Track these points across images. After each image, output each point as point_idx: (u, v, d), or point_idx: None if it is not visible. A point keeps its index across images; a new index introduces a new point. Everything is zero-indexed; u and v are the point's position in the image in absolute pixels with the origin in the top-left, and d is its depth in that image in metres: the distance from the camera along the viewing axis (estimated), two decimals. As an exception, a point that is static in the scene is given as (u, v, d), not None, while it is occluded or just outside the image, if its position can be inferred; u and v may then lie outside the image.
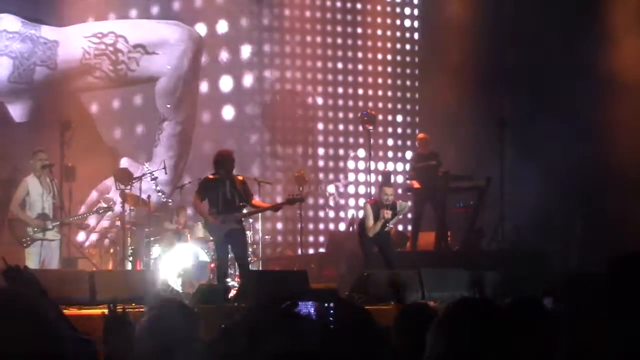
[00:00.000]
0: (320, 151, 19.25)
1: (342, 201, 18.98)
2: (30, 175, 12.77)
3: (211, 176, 12.16)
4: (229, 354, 1.88)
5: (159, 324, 3.65)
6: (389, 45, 20.00)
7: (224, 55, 18.32)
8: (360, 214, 18.34)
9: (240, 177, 12.43)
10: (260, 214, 14.32)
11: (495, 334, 2.35)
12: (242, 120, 18.48)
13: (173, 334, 3.42)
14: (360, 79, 19.64)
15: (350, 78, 19.57)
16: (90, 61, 16.80)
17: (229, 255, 12.61)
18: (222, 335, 1.92)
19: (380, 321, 4.27)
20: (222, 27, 18.25)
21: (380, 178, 16.39)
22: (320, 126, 19.34)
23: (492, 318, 2.38)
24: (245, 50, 18.54)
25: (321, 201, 19.05)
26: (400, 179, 18.79)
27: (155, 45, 17.23)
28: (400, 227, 17.29)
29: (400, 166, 19.53)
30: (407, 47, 20.24)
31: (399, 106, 20.03)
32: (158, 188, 15.06)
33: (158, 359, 3.20)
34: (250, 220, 14.42)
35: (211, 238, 13.16)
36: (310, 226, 18.65)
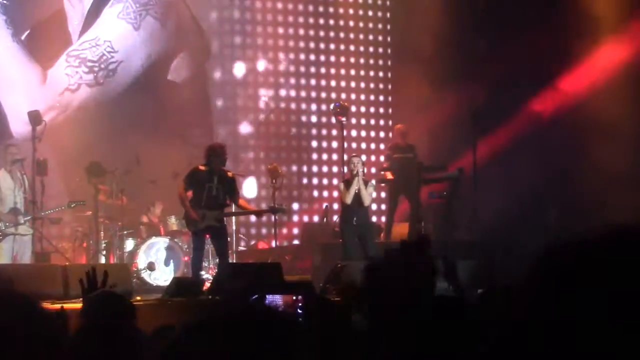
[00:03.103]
0: (293, 143, 19.21)
1: None
2: (1, 170, 12.69)
3: (201, 167, 11.77)
4: (197, 349, 1.87)
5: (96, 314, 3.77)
6: (360, 36, 19.99)
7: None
8: (335, 206, 18.39)
9: (230, 174, 12.07)
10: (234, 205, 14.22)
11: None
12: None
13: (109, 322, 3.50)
14: (332, 71, 19.62)
15: (322, 70, 19.54)
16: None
17: (205, 249, 12.55)
18: (190, 330, 1.91)
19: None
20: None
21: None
22: (292, 118, 19.31)
23: None
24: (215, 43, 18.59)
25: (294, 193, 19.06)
26: (373, 170, 18.78)
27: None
28: (374, 219, 17.29)
29: (373, 158, 19.51)
30: (379, 37, 20.24)
31: (371, 97, 20.04)
32: None
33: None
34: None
35: (184, 231, 13.10)
36: (284, 218, 18.60)
